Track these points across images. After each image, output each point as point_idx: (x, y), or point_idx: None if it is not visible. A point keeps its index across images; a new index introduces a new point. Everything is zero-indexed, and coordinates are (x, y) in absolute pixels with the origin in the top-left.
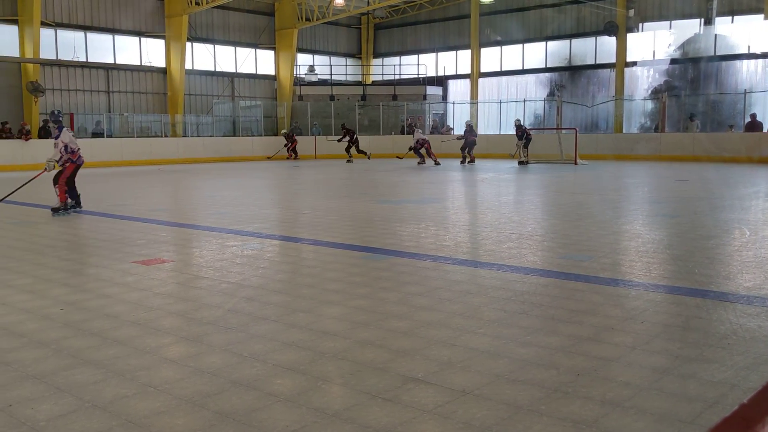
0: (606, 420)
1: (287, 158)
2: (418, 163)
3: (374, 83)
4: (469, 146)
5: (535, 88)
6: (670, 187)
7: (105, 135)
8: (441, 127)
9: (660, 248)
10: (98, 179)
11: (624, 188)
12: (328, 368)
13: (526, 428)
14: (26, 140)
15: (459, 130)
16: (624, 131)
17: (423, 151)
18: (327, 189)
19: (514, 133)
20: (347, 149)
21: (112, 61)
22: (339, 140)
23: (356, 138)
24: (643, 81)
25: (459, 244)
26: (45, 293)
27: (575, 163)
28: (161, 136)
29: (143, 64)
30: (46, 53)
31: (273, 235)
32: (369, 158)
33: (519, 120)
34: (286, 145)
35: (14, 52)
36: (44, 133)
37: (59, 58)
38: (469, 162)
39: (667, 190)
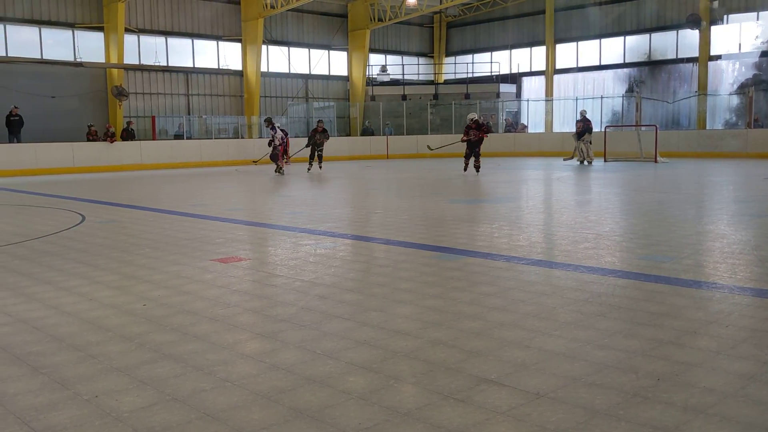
0: (688, 427)
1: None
2: (277, 170)
3: (446, 82)
4: (474, 150)
5: (612, 85)
6: (758, 185)
7: (185, 137)
8: (515, 125)
9: (746, 249)
10: (179, 179)
11: (708, 187)
12: (401, 367)
13: None
14: (111, 142)
15: (534, 128)
16: (707, 128)
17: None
18: (399, 188)
19: (576, 129)
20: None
21: (192, 65)
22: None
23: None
24: (728, 75)
25: (533, 244)
26: (129, 290)
27: (655, 162)
28: (238, 138)
29: (221, 67)
30: (130, 58)
31: (345, 234)
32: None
33: (586, 111)
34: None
35: (100, 58)
36: (126, 135)
37: (142, 62)
38: (473, 168)
39: (754, 189)
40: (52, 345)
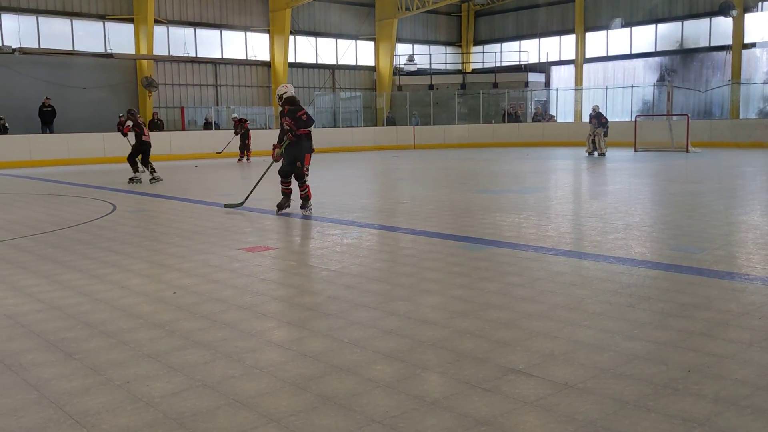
0: (719, 419)
1: (239, 159)
2: None
3: (474, 71)
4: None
5: (643, 74)
6: None
7: (213, 127)
8: (543, 115)
9: None
10: (208, 170)
11: (741, 177)
12: (427, 356)
13: (632, 424)
14: None
15: (563, 118)
16: (741, 117)
17: None
18: (425, 179)
19: (589, 121)
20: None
21: (220, 56)
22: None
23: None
24: (762, 63)
25: (562, 235)
26: (159, 278)
27: (687, 151)
28: (265, 129)
29: (248, 58)
30: (159, 50)
31: (372, 224)
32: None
33: (598, 106)
34: (239, 136)
35: (130, 49)
36: (153, 125)
37: (171, 54)
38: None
39: None
40: (85, 331)
